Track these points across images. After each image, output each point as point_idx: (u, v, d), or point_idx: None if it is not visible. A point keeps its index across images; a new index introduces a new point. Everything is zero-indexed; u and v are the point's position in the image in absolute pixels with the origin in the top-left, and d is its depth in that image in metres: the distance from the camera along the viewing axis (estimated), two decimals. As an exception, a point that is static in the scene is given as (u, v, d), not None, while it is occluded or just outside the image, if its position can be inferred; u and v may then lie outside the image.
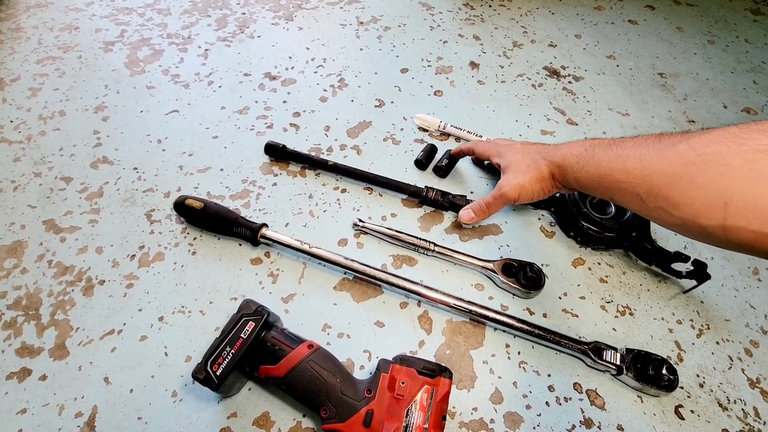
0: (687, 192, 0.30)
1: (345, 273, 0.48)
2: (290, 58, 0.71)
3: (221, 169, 0.56)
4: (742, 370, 0.44)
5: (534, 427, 0.40)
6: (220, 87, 0.66)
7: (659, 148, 0.33)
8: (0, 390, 0.40)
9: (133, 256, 0.48)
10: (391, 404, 0.35)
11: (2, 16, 0.75)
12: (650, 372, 0.41)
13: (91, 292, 0.45)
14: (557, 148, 0.44)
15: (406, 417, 0.34)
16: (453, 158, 0.57)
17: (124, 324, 0.44)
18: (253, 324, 0.38)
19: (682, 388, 0.43)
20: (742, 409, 0.42)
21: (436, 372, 0.36)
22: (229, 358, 0.36)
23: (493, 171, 0.58)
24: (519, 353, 0.44)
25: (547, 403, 0.41)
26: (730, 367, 0.44)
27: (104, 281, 0.46)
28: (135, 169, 0.55)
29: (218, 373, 0.35)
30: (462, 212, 0.50)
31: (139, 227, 0.50)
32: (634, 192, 0.34)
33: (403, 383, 0.36)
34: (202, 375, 0.35)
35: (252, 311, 0.38)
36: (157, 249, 0.49)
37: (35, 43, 0.70)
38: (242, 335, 0.37)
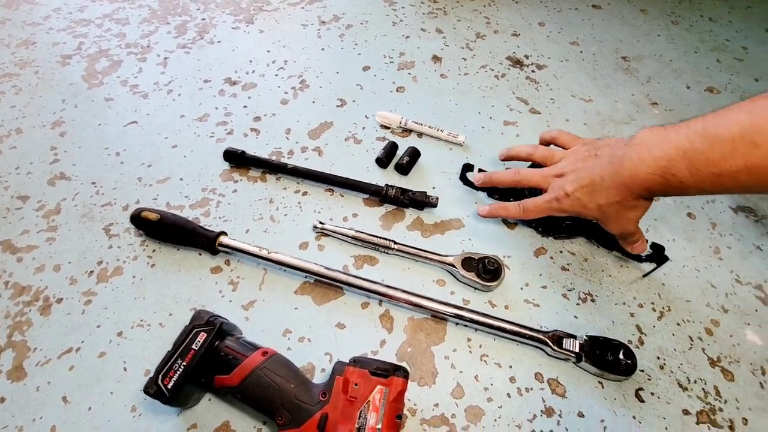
0: None
1: (306, 277, 0.48)
2: (251, 61, 0.70)
3: (181, 179, 0.55)
4: (703, 350, 0.45)
5: (495, 420, 0.40)
6: (179, 95, 0.65)
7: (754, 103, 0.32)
8: (-42, 415, 0.39)
9: (92, 272, 0.48)
10: (345, 407, 0.35)
11: (-43, 34, 0.74)
12: (609, 358, 0.41)
13: (48, 311, 0.45)
14: (626, 140, 0.41)
15: (359, 419, 0.34)
16: (414, 155, 0.56)
17: (83, 341, 0.43)
18: (205, 335, 0.37)
19: (642, 371, 0.43)
20: (703, 389, 0.42)
21: (389, 372, 0.36)
22: (181, 370, 0.36)
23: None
24: (480, 346, 0.44)
25: (508, 394, 0.41)
26: (691, 348, 0.45)
27: (62, 299, 0.46)
28: (93, 183, 0.55)
29: (169, 387, 0.35)
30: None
31: (97, 242, 0.50)
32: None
33: (356, 385, 0.36)
34: (152, 389, 0.35)
35: (204, 322, 0.38)
36: (116, 263, 0.48)
37: (-9, 61, 0.69)
38: (194, 347, 0.37)
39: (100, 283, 0.47)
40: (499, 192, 0.54)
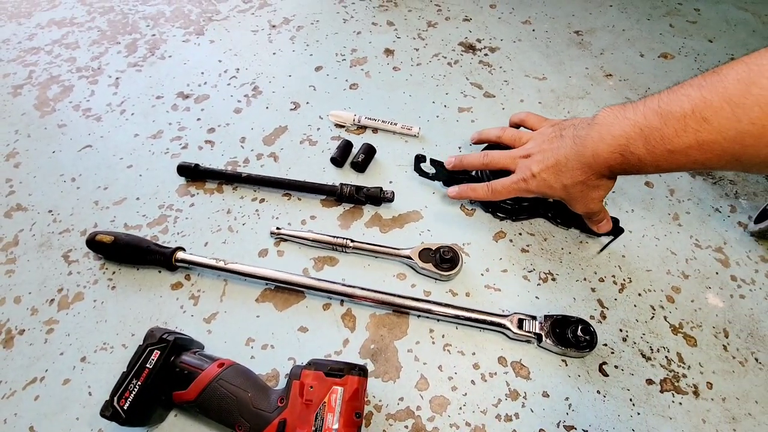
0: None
1: (266, 284, 0.48)
2: (202, 73, 0.70)
3: (137, 198, 0.55)
4: (665, 318, 0.45)
5: (460, 407, 0.40)
6: (132, 114, 0.65)
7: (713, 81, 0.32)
8: (-75, 455, 0.39)
9: (52, 300, 0.48)
10: (302, 410, 0.35)
11: None
12: (568, 335, 0.41)
13: (11, 344, 0.45)
14: (587, 119, 0.41)
15: (316, 420, 0.34)
16: (369, 152, 0.56)
17: (46, 370, 0.43)
18: (159, 352, 0.37)
19: (605, 345, 0.43)
20: (666, 357, 0.43)
21: (344, 371, 0.36)
22: (136, 390, 0.36)
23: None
24: (443, 336, 0.44)
25: (472, 381, 0.41)
26: (653, 317, 0.45)
27: (24, 330, 0.46)
28: (50, 211, 0.55)
29: (125, 408, 0.35)
30: (453, 189, 0.50)
31: (56, 270, 0.50)
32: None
33: (311, 387, 0.36)
34: (108, 412, 0.35)
35: (156, 339, 0.38)
36: (76, 289, 0.48)
37: (-58, 98, 0.69)
38: (148, 365, 0.37)
39: (61, 311, 0.47)
40: (457, 181, 0.53)
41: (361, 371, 0.37)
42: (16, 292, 0.48)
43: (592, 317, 0.45)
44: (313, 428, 0.34)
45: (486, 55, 0.70)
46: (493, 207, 0.51)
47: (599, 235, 0.49)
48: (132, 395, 0.35)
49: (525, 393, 0.41)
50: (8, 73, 0.72)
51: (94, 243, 0.48)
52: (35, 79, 0.71)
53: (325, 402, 0.35)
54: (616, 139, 0.37)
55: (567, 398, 0.40)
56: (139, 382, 0.36)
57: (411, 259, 0.47)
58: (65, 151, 0.61)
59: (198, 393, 0.36)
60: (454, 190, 0.50)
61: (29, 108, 0.66)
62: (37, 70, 0.72)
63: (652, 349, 0.43)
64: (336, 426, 0.34)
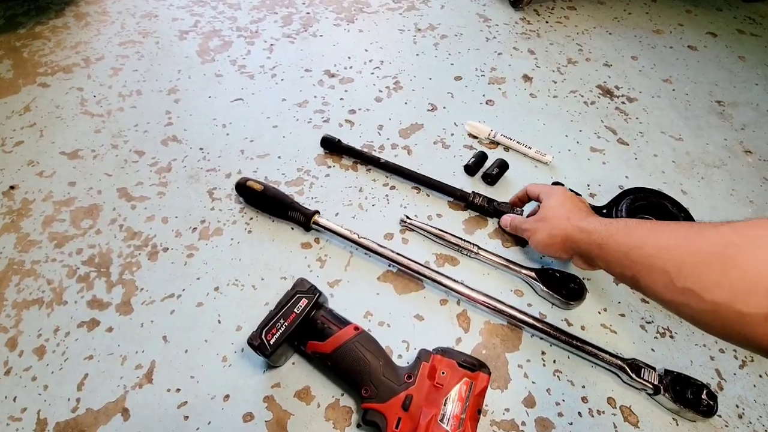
0: (724, 273, 0.27)
1: (389, 265, 0.50)
2: (349, 57, 0.74)
3: (279, 157, 0.59)
4: (786, 407, 0.43)
5: (565, 435, 0.40)
6: (282, 80, 0.70)
7: (699, 229, 0.32)
8: (71, 336, 0.44)
9: (195, 228, 0.52)
10: (430, 392, 0.37)
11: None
12: (689, 396, 0.41)
13: (155, 258, 0.49)
14: (586, 214, 0.44)
15: (444, 405, 0.36)
16: (503, 167, 0.58)
17: (183, 290, 0.47)
18: (306, 301, 0.40)
19: (720, 416, 0.42)
20: (783, 446, 0.41)
21: (476, 366, 0.38)
22: (282, 329, 0.38)
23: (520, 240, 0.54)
24: (554, 361, 0.45)
25: (579, 413, 0.42)
26: (773, 402, 0.44)
27: (168, 249, 0.50)
28: (201, 149, 0.59)
29: (271, 342, 0.38)
30: (504, 217, 0.52)
31: (201, 203, 0.54)
32: (663, 268, 0.32)
33: (443, 373, 0.37)
34: (257, 342, 0.38)
35: (306, 289, 0.41)
36: (217, 224, 0.52)
37: (119, 27, 0.76)
38: (295, 310, 0.40)
39: (201, 240, 0.51)
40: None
41: (489, 371, 0.38)
42: (164, 212, 0.53)
43: (708, 385, 0.44)
44: (442, 412, 0.35)
45: (623, 103, 0.70)
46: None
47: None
48: (278, 332, 0.38)
49: (632, 440, 0.40)
50: (176, 18, 0.79)
51: (244, 187, 0.52)
52: (200, 29, 0.77)
53: (455, 390, 0.36)
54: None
55: (675, 458, 0.40)
56: (286, 323, 0.39)
57: (536, 279, 0.48)
58: (219, 99, 0.66)
59: (334, 348, 0.38)
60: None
61: (192, 53, 0.73)
62: (202, 21, 0.79)
63: (768, 435, 0.42)
64: (463, 416, 0.35)
